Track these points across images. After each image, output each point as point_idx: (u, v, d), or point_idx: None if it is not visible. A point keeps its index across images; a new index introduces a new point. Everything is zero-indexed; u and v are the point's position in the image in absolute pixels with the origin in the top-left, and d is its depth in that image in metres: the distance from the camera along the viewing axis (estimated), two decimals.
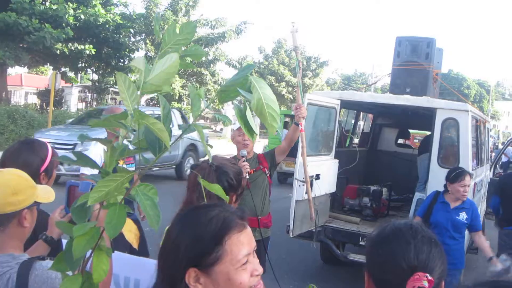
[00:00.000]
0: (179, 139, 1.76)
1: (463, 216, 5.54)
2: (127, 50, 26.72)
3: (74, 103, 37.56)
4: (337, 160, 7.96)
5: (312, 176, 6.91)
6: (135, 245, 1.70)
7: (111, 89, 34.47)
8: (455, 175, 5.59)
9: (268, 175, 5.29)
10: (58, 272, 1.69)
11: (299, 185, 6.79)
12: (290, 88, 39.36)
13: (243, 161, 4.92)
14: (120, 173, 1.58)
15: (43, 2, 21.18)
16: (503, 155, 16.31)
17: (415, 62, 8.68)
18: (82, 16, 22.32)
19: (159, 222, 1.56)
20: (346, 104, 8.71)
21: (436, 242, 1.63)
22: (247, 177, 4.91)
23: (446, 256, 1.65)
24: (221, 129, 35.47)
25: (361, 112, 11.61)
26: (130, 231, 1.71)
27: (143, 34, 27.97)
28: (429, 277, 1.50)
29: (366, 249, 1.70)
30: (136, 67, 1.49)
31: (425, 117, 7.75)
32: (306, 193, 6.63)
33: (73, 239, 1.54)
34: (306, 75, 41.96)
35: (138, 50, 27.99)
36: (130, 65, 1.63)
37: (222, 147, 28.55)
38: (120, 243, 2.20)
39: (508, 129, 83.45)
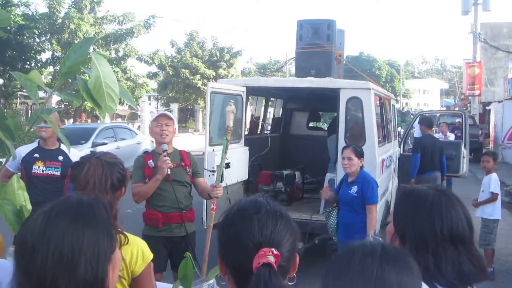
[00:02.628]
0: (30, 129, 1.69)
1: (354, 189, 5.68)
2: (33, 51, 25.76)
3: None
4: (247, 148, 7.93)
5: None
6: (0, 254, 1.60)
7: (19, 93, 33.16)
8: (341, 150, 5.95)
9: (189, 173, 5.13)
10: None
11: (209, 175, 6.71)
12: (205, 80, 39.18)
13: (164, 156, 4.77)
14: None
15: None
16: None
17: (317, 44, 8.75)
18: None
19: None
20: (252, 91, 8.69)
21: (282, 214, 1.56)
22: (169, 172, 4.80)
23: (295, 228, 1.58)
24: (139, 127, 34.88)
25: (271, 98, 11.66)
26: None
27: (48, 34, 27.00)
28: (275, 252, 1.43)
29: (217, 230, 1.62)
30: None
31: (332, 99, 7.82)
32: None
33: None
34: (220, 66, 41.91)
35: (44, 51, 27.04)
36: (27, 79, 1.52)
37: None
38: None
39: (419, 106, 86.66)
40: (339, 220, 5.90)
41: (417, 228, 1.91)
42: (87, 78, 1.51)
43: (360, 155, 5.69)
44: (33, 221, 1.36)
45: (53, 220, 1.34)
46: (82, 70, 1.54)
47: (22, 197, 1.61)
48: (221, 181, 5.11)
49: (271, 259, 1.41)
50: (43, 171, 5.46)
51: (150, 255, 2.66)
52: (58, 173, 5.48)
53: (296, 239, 1.56)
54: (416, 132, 15.97)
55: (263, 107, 11.31)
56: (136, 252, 2.59)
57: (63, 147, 5.58)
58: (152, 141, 12.85)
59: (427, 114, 12.59)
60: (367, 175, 5.76)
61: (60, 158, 5.52)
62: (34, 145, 5.62)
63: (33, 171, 5.44)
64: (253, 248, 1.45)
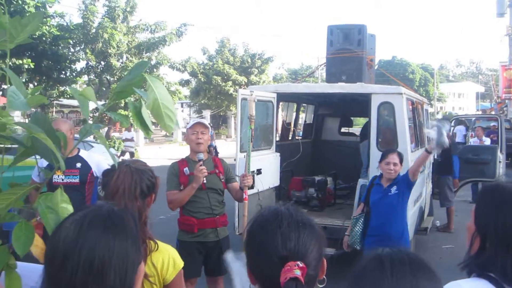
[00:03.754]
0: (78, 143, 1.76)
1: (394, 189, 5.56)
2: (67, 61, 26.21)
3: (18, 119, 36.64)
4: (278, 154, 7.94)
5: (253, 171, 6.88)
6: (41, 259, 1.64)
7: (55, 102, 33.78)
8: (382, 155, 5.75)
9: (222, 180, 5.18)
10: None
11: None
12: (237, 87, 39.34)
13: (201, 165, 4.84)
14: (16, 188, 1.55)
15: None
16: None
17: (348, 49, 8.74)
18: None
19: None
20: (283, 97, 8.70)
21: (305, 224, 1.55)
22: (205, 181, 4.85)
23: (320, 233, 1.57)
24: (172, 133, 35.20)
25: (302, 104, 11.64)
26: (36, 246, 1.66)
27: (82, 44, 27.47)
28: (301, 265, 1.43)
29: (244, 242, 1.63)
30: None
31: (363, 104, 7.79)
32: (250, 188, 6.64)
33: None
34: (252, 72, 42.03)
35: (79, 61, 27.50)
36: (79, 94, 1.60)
37: (173, 151, 28.39)
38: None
39: (454, 110, 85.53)
40: (369, 232, 5.72)
41: (500, 227, 1.81)
42: (137, 102, 1.59)
43: (402, 160, 5.63)
44: (65, 229, 1.38)
45: (85, 229, 1.36)
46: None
47: (66, 211, 1.66)
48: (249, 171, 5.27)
49: (298, 273, 1.41)
50: (62, 179, 5.54)
51: (181, 263, 2.69)
52: (77, 180, 5.54)
53: (322, 245, 1.56)
54: (459, 136, 15.83)
55: (294, 113, 11.31)
56: (167, 260, 2.62)
57: (82, 153, 5.70)
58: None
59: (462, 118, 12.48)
60: (405, 175, 5.71)
61: (78, 165, 5.59)
62: None
63: (53, 181, 5.54)
64: (278, 262, 1.45)
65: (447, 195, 10.27)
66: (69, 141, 5.61)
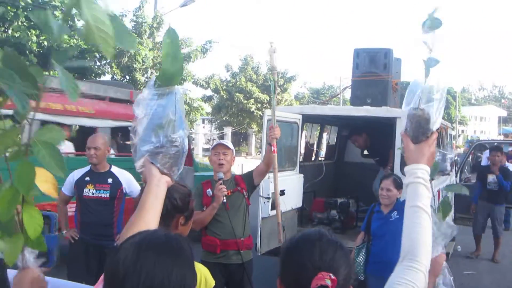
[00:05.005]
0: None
1: (394, 215, 5.50)
2: (93, 74, 26.50)
3: None
4: (302, 175, 7.96)
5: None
6: (54, 194, 1.66)
7: None
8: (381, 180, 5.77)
9: (246, 196, 5.19)
10: None
11: (264, 202, 6.78)
12: (259, 105, 39.42)
13: (220, 184, 4.86)
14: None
15: (6, 30, 20.96)
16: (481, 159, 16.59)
17: (373, 73, 8.77)
18: (46, 43, 22.09)
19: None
20: (308, 118, 8.74)
21: (342, 246, 1.69)
22: (225, 200, 4.87)
23: (352, 261, 1.74)
24: (193, 149, 35.33)
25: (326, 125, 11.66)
26: (46, 182, 1.64)
27: (108, 58, 27.75)
28: (332, 277, 1.55)
29: (280, 257, 1.73)
30: None
31: (388, 127, 7.79)
32: (273, 209, 6.66)
33: None
34: (276, 92, 42.02)
35: (104, 74, 27.78)
36: None
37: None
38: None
39: (476, 134, 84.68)
40: (372, 259, 5.67)
41: None
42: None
43: (399, 186, 5.56)
44: (124, 251, 1.43)
45: (144, 251, 1.41)
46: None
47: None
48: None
49: (328, 282, 1.54)
50: (93, 193, 5.68)
51: (212, 282, 2.74)
52: (107, 195, 5.70)
53: (351, 271, 1.68)
54: (484, 160, 15.64)
55: (317, 134, 11.33)
56: (199, 279, 2.66)
57: (113, 169, 5.83)
58: None
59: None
60: (402, 201, 5.66)
61: (109, 180, 5.75)
62: (86, 168, 5.86)
63: (84, 194, 5.68)
64: (312, 270, 1.58)
65: (499, 224, 10.30)
66: (103, 156, 5.76)
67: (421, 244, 1.84)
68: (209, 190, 5.05)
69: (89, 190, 5.68)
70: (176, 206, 2.73)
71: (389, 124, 7.55)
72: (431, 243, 1.89)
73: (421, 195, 1.91)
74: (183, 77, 29.63)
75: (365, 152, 11.78)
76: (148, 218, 1.93)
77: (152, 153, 2.02)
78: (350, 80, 9.36)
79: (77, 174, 5.83)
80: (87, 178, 5.74)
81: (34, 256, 1.78)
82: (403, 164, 6.92)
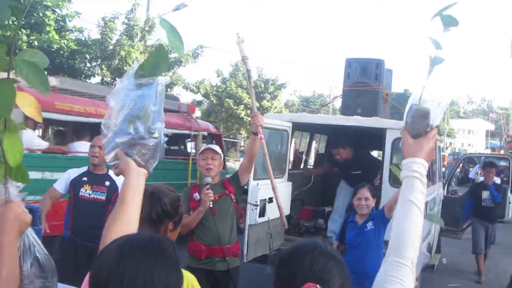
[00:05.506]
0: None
1: (369, 225, 5.50)
2: (83, 75, 26.40)
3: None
4: (290, 183, 7.95)
5: (265, 199, 6.89)
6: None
7: None
8: (353, 191, 5.78)
9: (234, 200, 5.16)
10: None
11: (252, 209, 6.75)
12: (249, 111, 39.38)
13: (207, 189, 4.84)
14: None
15: None
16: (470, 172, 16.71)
17: (364, 83, 8.78)
18: (36, 43, 21.94)
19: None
20: (298, 127, 8.74)
21: (335, 257, 1.68)
22: (211, 205, 4.84)
23: (347, 271, 1.70)
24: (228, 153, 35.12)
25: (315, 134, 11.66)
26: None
27: (99, 60, 27.66)
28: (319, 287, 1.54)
29: (274, 267, 1.73)
30: None
31: (377, 137, 7.81)
32: (261, 216, 6.65)
33: None
34: (264, 98, 42.07)
35: (94, 76, 27.68)
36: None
37: None
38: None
39: (463, 146, 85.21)
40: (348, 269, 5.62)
41: None
42: None
43: (374, 194, 5.61)
44: (108, 253, 1.44)
45: (127, 253, 1.41)
46: None
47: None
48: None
49: None
50: (89, 194, 5.64)
51: None
52: (103, 197, 5.66)
53: (346, 283, 1.67)
54: (472, 173, 15.71)
55: (307, 142, 11.33)
56: (186, 285, 2.62)
57: (110, 173, 5.76)
58: None
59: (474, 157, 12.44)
60: (377, 211, 5.67)
61: (107, 183, 5.71)
62: (84, 169, 5.82)
63: (80, 194, 5.64)
64: (301, 281, 1.57)
65: (491, 241, 10.33)
66: (102, 158, 5.73)
67: (409, 239, 1.80)
68: (196, 194, 5.02)
69: (85, 190, 5.65)
70: (165, 211, 2.70)
71: (378, 135, 7.56)
72: (420, 239, 1.87)
73: (415, 190, 1.86)
74: (173, 81, 29.63)
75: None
76: (130, 212, 1.91)
77: (128, 145, 1.97)
78: (341, 89, 9.37)
79: (73, 173, 5.79)
80: (85, 179, 5.71)
81: (17, 190, 1.75)
82: (392, 177, 6.98)
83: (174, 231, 2.81)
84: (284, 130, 7.86)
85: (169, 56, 29.03)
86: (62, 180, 5.79)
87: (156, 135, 1.98)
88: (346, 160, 8.30)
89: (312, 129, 10.54)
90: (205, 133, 11.83)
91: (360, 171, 8.15)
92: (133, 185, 1.95)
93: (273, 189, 5.41)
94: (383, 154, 7.27)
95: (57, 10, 22.70)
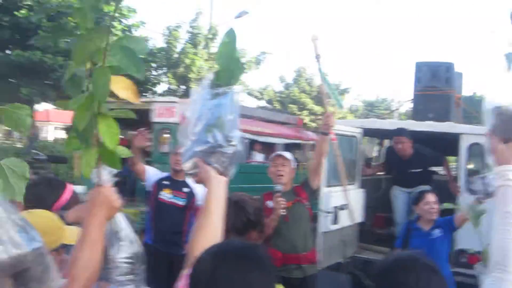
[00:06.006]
0: None
1: (437, 232, 5.38)
2: (150, 83, 26.97)
3: None
4: (362, 190, 7.87)
5: (337, 206, 6.83)
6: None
7: None
8: (417, 196, 5.63)
9: (307, 206, 5.07)
10: (75, 150, 1.72)
11: (325, 216, 6.72)
12: (312, 117, 39.19)
13: (279, 196, 4.76)
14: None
15: (67, 40, 21.51)
16: None
17: (435, 87, 8.61)
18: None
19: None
20: (368, 132, 8.64)
21: (436, 270, 1.66)
22: (284, 212, 4.75)
23: (447, 285, 1.67)
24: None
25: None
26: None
27: (165, 68, 28.22)
28: None
29: (373, 278, 1.71)
30: None
31: (449, 143, 7.62)
32: (334, 223, 6.61)
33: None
34: (329, 102, 41.73)
35: (159, 84, 28.25)
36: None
37: None
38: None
39: None
40: None
41: None
42: None
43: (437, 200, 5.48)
44: (203, 262, 1.48)
45: (222, 260, 1.44)
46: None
47: None
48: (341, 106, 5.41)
49: None
50: (169, 198, 5.83)
51: None
52: (182, 203, 5.83)
53: None
54: None
55: (377, 148, 11.20)
56: None
57: (188, 180, 5.88)
58: None
59: None
60: (444, 218, 5.51)
61: (186, 189, 5.87)
62: (166, 174, 6.03)
63: (159, 196, 5.84)
64: None
65: None
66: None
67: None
68: (269, 202, 4.97)
69: (165, 194, 5.85)
70: (251, 221, 2.72)
71: (450, 141, 7.39)
72: None
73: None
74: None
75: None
76: (214, 220, 1.93)
77: (207, 153, 2.00)
78: (404, 93, 9.23)
79: (158, 174, 6.06)
80: (166, 182, 5.93)
81: (109, 174, 1.79)
82: (469, 182, 6.78)
83: (257, 241, 2.83)
84: (354, 136, 7.79)
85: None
86: (154, 171, 6.08)
87: (234, 142, 2.01)
88: (405, 157, 7.78)
89: (381, 135, 10.40)
90: (312, 142, 12.30)
91: (421, 169, 7.78)
92: (215, 193, 1.97)
93: (344, 189, 5.35)
94: (458, 160, 7.10)
95: (123, 20, 23.26)
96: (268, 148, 10.77)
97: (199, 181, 2.06)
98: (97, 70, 1.53)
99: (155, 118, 8.85)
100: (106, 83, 1.52)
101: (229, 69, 2.01)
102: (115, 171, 1.80)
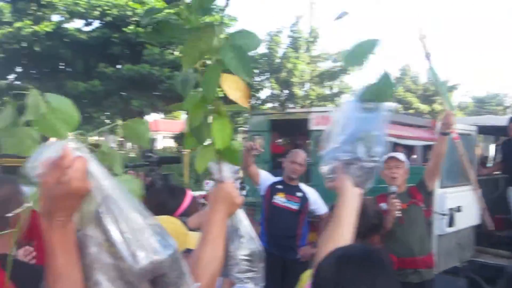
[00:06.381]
0: None
1: None
2: (253, 89, 27.39)
3: None
4: (479, 190, 7.49)
5: (453, 208, 6.58)
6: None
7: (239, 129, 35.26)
8: None
9: (423, 208, 4.96)
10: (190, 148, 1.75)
11: (440, 218, 6.47)
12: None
13: (393, 198, 4.69)
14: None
15: (172, 52, 22.29)
16: None
17: None
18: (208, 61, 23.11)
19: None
20: (482, 130, 8.26)
21: None
22: (399, 214, 4.66)
23: None
24: None
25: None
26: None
27: (267, 73, 28.55)
28: None
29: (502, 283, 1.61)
30: None
31: None
32: (450, 226, 6.34)
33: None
34: (435, 101, 40.62)
35: (262, 89, 28.61)
36: None
37: None
38: None
39: None
40: None
41: None
42: None
43: None
44: (327, 265, 1.49)
45: (345, 265, 1.44)
46: None
47: None
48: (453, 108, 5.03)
49: None
50: (283, 202, 5.91)
51: None
52: (296, 207, 5.87)
53: None
54: None
55: (492, 146, 10.71)
56: None
57: (301, 185, 6.02)
58: None
59: None
60: None
61: (299, 194, 5.93)
62: (279, 178, 6.09)
63: (273, 200, 5.92)
64: None
65: None
66: (300, 174, 6.00)
67: None
68: (384, 204, 4.89)
69: (279, 198, 5.93)
70: (375, 225, 2.67)
71: None
72: None
73: None
74: (341, 89, 29.70)
75: None
76: (344, 232, 1.91)
77: (346, 163, 1.98)
78: None
79: (272, 178, 6.12)
80: (280, 187, 5.98)
81: (231, 171, 1.77)
82: None
83: (381, 244, 2.76)
84: (468, 134, 7.45)
85: (335, 66, 29.20)
86: (268, 175, 6.15)
87: (376, 158, 1.98)
88: None
89: (497, 132, 9.91)
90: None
91: None
92: (349, 205, 1.95)
93: (474, 189, 5.11)
94: None
95: (225, 28, 23.82)
96: (408, 150, 10.87)
97: (332, 187, 2.04)
98: (208, 68, 1.53)
99: (313, 126, 9.03)
100: (216, 79, 1.51)
101: (380, 86, 1.97)
102: (237, 168, 1.79)
